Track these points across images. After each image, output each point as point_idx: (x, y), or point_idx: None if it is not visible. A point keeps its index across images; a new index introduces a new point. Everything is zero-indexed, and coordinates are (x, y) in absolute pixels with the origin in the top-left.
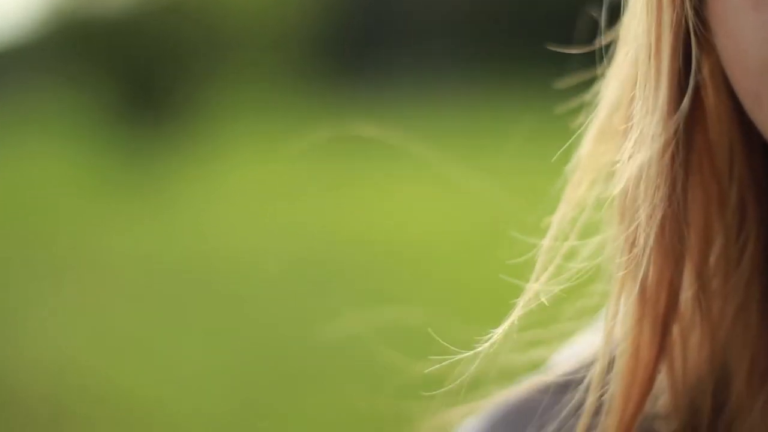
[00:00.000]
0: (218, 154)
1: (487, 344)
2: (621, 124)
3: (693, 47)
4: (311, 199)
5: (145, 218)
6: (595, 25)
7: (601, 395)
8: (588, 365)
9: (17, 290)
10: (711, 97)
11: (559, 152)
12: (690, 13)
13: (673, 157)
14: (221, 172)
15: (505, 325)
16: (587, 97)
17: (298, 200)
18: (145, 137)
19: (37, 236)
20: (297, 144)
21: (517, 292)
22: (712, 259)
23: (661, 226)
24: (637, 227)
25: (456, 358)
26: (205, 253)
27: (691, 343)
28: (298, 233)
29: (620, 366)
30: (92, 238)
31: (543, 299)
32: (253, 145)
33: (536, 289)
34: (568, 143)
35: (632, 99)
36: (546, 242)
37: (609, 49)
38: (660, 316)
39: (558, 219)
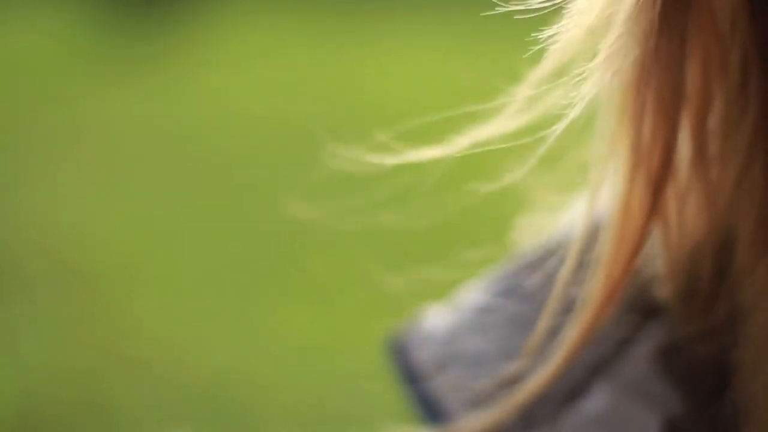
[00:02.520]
0: (219, 22)
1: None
2: None
3: None
4: (314, 67)
5: (147, 90)
6: None
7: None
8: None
9: (15, 163)
10: None
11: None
12: None
13: (666, 11)
14: (222, 40)
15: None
16: None
17: (300, 68)
18: (145, 8)
19: (38, 110)
20: (302, 16)
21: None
22: (711, 121)
23: (657, 83)
24: (628, 84)
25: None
26: (208, 122)
27: (688, 208)
28: (305, 100)
29: (609, 224)
30: (92, 109)
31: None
32: (257, 17)
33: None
34: None
35: None
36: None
37: None
38: (653, 174)
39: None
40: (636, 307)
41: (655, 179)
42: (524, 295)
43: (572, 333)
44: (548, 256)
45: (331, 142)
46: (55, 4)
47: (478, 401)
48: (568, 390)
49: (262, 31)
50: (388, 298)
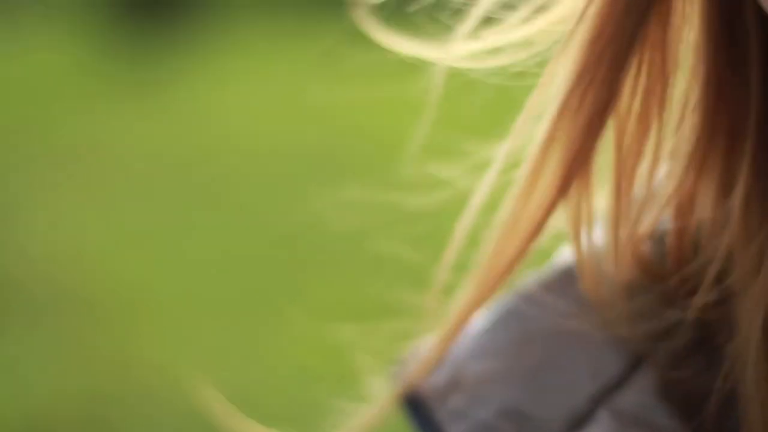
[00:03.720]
0: (224, 50)
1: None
2: None
3: None
4: (316, 93)
5: (149, 112)
6: None
7: None
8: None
9: (18, 184)
10: None
11: None
12: None
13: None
14: (227, 68)
15: None
16: None
17: (303, 95)
18: (149, 32)
19: (40, 133)
20: (303, 42)
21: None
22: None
23: (594, 87)
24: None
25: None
26: (210, 147)
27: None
28: (304, 126)
29: (508, 203)
30: (95, 132)
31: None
32: (259, 42)
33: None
34: None
35: None
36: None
37: None
38: (566, 162)
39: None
40: (636, 338)
41: (566, 167)
42: (526, 319)
43: (460, 302)
44: (549, 285)
45: (330, 167)
46: (56, 25)
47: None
48: (570, 419)
49: (262, 57)
50: (389, 322)
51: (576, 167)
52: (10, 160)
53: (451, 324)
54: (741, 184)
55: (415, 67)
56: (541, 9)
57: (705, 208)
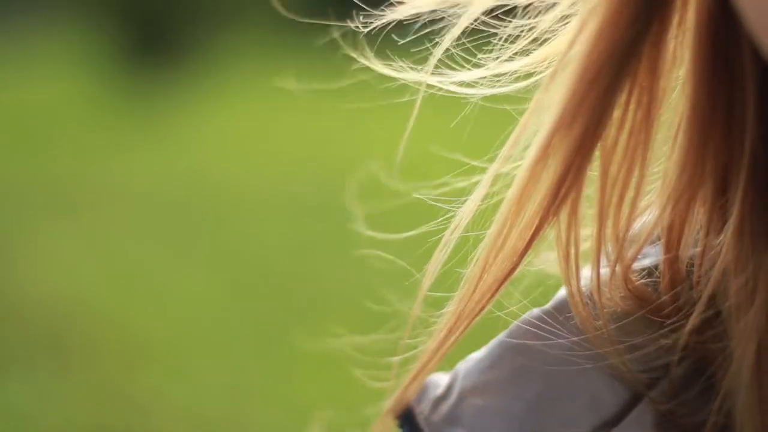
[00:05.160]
0: (221, 89)
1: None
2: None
3: None
4: (308, 133)
5: (148, 149)
6: None
7: None
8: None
9: (18, 220)
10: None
11: None
12: None
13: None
14: (224, 106)
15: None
16: None
17: (296, 134)
18: (147, 71)
19: (39, 165)
20: (292, 82)
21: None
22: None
23: (585, 115)
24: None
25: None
26: (207, 186)
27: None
28: (297, 166)
29: (500, 215)
30: (94, 170)
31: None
32: (255, 81)
33: None
34: None
35: None
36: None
37: None
38: (554, 182)
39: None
40: (632, 370)
41: (555, 191)
42: (527, 353)
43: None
44: (549, 319)
45: (322, 202)
46: (61, 58)
47: None
48: None
49: (263, 97)
50: (389, 365)
51: (563, 192)
52: (10, 192)
53: (437, 341)
54: (734, 215)
55: (399, 105)
56: (538, 41)
57: (697, 238)
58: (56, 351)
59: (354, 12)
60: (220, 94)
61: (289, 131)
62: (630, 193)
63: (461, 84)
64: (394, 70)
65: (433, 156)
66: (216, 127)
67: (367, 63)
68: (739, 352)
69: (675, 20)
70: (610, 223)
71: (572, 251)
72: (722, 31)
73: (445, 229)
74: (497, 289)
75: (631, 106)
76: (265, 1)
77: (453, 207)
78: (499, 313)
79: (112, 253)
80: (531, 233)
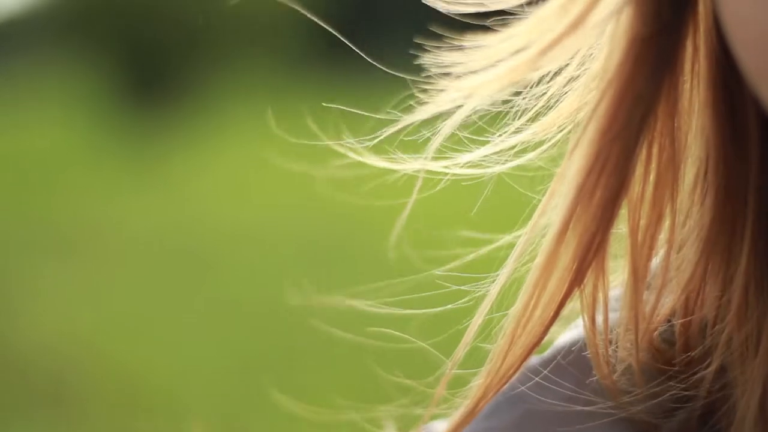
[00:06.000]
0: (219, 132)
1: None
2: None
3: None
4: (308, 177)
5: (144, 193)
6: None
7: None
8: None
9: (17, 264)
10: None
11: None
12: None
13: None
14: (223, 150)
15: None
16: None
17: (296, 178)
18: (146, 113)
19: (36, 208)
20: (289, 124)
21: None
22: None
23: (608, 172)
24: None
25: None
26: (202, 229)
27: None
28: (298, 210)
29: (529, 281)
30: (93, 213)
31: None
32: (253, 124)
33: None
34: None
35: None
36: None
37: None
38: (583, 246)
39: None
40: (642, 419)
41: (581, 256)
42: (529, 401)
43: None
44: (551, 367)
45: (322, 249)
46: (61, 102)
47: None
48: None
49: (261, 140)
50: (387, 412)
51: (590, 256)
52: (9, 236)
53: (463, 411)
54: (741, 270)
55: (404, 149)
56: (547, 108)
57: (712, 294)
58: (56, 398)
59: (352, 57)
60: (218, 137)
61: (288, 175)
62: (660, 247)
63: (468, 165)
64: (393, 160)
65: (443, 224)
66: (214, 170)
67: (362, 159)
68: (744, 402)
69: (688, 67)
70: (640, 279)
71: (599, 310)
72: (730, 78)
73: (466, 300)
74: (524, 360)
75: (654, 157)
76: (263, 44)
77: (465, 274)
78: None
79: (111, 298)
80: (559, 301)
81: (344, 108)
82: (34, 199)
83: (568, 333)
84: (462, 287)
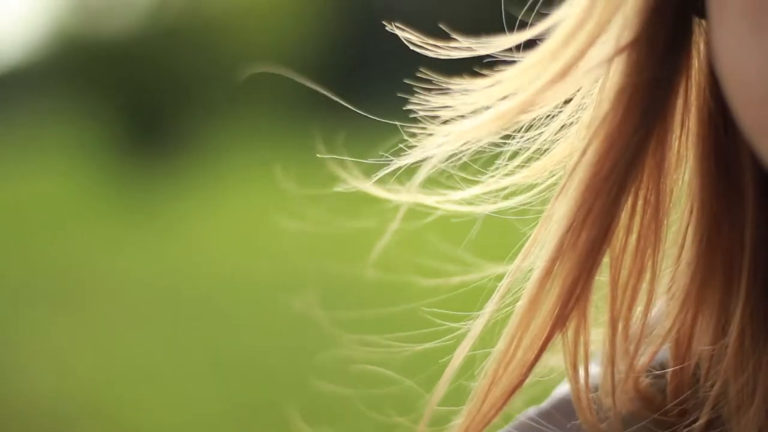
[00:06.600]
0: (217, 179)
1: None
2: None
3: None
4: (306, 224)
5: (146, 242)
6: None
7: None
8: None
9: (17, 311)
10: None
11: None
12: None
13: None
14: (224, 197)
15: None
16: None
17: (293, 226)
18: (147, 162)
19: (38, 257)
20: (288, 173)
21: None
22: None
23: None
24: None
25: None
26: (205, 278)
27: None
28: (295, 257)
29: (513, 320)
30: (93, 261)
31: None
32: (252, 171)
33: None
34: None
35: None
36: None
37: None
38: (565, 290)
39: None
40: None
41: (563, 302)
42: None
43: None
44: (547, 418)
45: (325, 308)
46: (61, 152)
47: None
48: None
49: (259, 188)
50: None
51: (572, 302)
52: (7, 286)
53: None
54: (736, 320)
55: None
56: (540, 152)
57: (703, 342)
58: None
59: (351, 106)
60: (219, 185)
61: (287, 223)
62: (640, 298)
63: (461, 202)
64: (388, 191)
65: (430, 263)
66: (216, 218)
67: (360, 187)
68: None
69: (677, 120)
70: (621, 329)
71: (581, 357)
72: (722, 133)
73: (447, 340)
74: (505, 401)
75: (638, 209)
76: (261, 93)
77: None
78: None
79: (113, 347)
80: (540, 344)
81: (339, 156)
82: (36, 248)
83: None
84: (448, 324)
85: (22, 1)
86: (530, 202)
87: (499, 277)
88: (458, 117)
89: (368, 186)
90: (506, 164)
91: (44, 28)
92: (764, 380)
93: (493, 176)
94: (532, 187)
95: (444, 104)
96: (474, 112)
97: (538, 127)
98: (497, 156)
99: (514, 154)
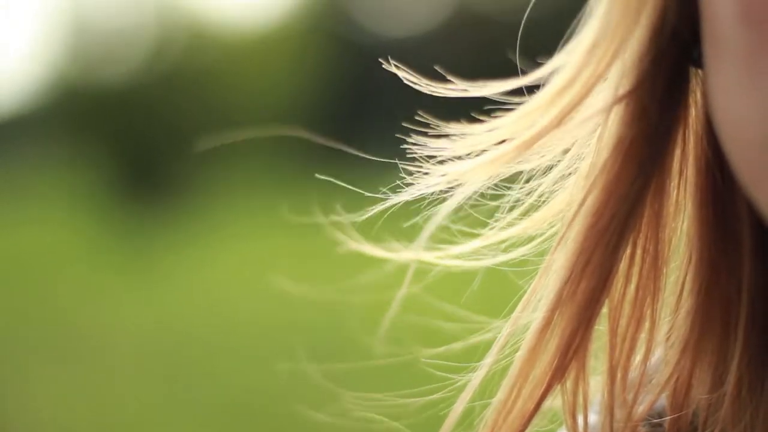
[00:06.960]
0: (214, 228)
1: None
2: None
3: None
4: (305, 272)
5: (142, 290)
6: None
7: None
8: None
9: (16, 362)
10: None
11: None
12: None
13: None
14: (223, 245)
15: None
16: None
17: (292, 273)
18: (146, 210)
19: (33, 305)
20: (287, 219)
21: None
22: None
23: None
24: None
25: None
26: (202, 326)
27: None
28: (294, 306)
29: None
30: (89, 309)
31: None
32: (250, 219)
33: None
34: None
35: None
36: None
37: None
38: (565, 338)
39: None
40: None
41: (562, 352)
42: None
43: None
44: None
45: (319, 343)
46: (59, 200)
47: None
48: None
49: (258, 235)
50: None
51: (571, 352)
52: (9, 337)
53: None
54: (733, 368)
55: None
56: (539, 203)
57: (701, 390)
58: None
59: (346, 155)
60: (214, 234)
61: (287, 271)
62: (639, 347)
63: (461, 256)
64: (386, 249)
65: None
66: (215, 265)
67: (358, 248)
68: None
69: (676, 169)
70: (619, 378)
71: (579, 406)
72: (720, 182)
73: (448, 392)
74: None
75: (637, 258)
76: (258, 140)
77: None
78: None
79: (106, 398)
80: (540, 395)
81: (335, 200)
82: (31, 296)
83: None
84: (449, 375)
85: (21, 49)
86: (529, 254)
87: (499, 329)
88: (455, 158)
89: (368, 248)
90: (505, 216)
91: (42, 75)
92: (761, 429)
93: (492, 228)
94: (531, 239)
95: (441, 145)
96: (470, 155)
97: (537, 177)
98: (495, 209)
99: (513, 207)
